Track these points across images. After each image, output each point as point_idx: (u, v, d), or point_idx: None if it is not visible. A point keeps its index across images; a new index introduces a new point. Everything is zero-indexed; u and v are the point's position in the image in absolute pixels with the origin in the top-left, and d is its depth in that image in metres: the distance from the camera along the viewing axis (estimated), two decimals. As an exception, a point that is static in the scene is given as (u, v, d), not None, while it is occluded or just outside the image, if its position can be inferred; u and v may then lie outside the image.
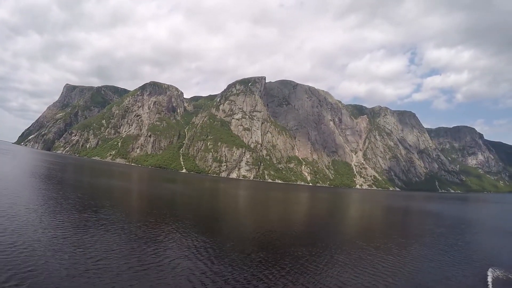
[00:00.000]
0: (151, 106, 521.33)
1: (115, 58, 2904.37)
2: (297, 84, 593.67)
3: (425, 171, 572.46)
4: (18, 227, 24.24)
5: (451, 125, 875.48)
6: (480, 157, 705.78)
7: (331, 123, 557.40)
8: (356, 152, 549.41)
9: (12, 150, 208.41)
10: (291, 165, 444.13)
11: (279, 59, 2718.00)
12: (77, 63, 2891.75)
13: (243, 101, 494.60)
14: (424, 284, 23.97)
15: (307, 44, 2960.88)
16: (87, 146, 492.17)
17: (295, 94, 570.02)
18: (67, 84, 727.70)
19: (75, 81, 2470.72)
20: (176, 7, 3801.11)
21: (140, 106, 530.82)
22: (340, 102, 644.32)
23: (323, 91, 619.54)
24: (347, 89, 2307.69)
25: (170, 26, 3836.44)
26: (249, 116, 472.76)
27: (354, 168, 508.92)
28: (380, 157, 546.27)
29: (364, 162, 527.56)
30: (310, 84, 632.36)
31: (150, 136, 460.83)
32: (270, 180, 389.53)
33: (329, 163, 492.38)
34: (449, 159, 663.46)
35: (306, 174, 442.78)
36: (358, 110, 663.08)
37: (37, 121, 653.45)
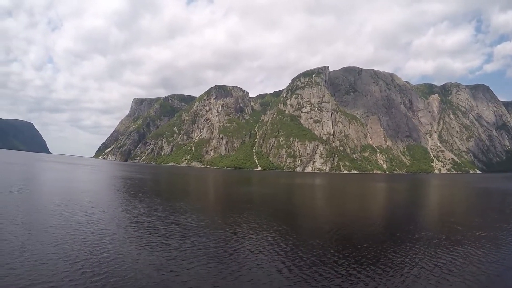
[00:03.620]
0: (219, 109, 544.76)
1: (178, 68, 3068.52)
2: (362, 70, 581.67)
3: (506, 149, 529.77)
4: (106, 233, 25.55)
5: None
6: None
7: (402, 106, 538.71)
8: (431, 135, 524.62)
9: (96, 164, 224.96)
10: (366, 154, 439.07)
11: (340, 46, 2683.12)
12: (142, 78, 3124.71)
13: (310, 93, 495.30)
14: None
15: (366, 27, 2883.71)
16: (162, 153, 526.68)
17: (361, 80, 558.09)
18: (135, 98, 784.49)
19: (142, 94, 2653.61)
20: (230, 9, 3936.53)
21: (209, 110, 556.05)
22: (408, 83, 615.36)
23: (388, 73, 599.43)
24: (413, 68, 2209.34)
25: (226, 29, 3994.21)
26: (317, 108, 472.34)
27: (430, 152, 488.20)
28: (457, 137, 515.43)
29: (440, 145, 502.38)
30: (375, 68, 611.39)
31: (222, 138, 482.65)
32: (346, 172, 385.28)
33: (404, 148, 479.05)
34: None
35: (382, 162, 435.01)
36: (428, 89, 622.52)
37: (111, 135, 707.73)
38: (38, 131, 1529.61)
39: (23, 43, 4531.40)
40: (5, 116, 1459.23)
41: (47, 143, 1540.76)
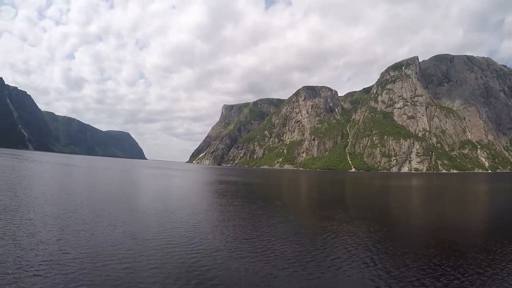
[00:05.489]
0: (309, 110, 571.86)
1: (264, 72, 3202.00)
2: (453, 57, 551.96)
3: None
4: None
5: None
6: None
7: (501, 94, 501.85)
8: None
9: (195, 169, 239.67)
10: (465, 151, 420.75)
11: (427, 34, 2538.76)
12: (230, 85, 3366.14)
13: (401, 88, 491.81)
14: None
15: (453, 9, 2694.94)
16: (255, 156, 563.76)
17: (454, 68, 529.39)
18: (224, 104, 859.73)
19: (231, 100, 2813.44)
20: (309, 9, 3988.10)
21: (298, 112, 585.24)
22: (505, 66, 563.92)
23: (483, 58, 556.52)
24: (510, 49, 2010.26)
25: (308, 29, 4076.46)
26: (410, 103, 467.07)
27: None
28: None
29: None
30: (468, 53, 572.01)
31: (313, 140, 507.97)
32: (445, 171, 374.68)
33: (507, 143, 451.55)
34: None
35: (483, 160, 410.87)
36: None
37: (204, 140, 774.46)
38: (134, 140, 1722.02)
39: (115, 63, 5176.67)
40: (104, 128, 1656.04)
41: (143, 150, 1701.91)
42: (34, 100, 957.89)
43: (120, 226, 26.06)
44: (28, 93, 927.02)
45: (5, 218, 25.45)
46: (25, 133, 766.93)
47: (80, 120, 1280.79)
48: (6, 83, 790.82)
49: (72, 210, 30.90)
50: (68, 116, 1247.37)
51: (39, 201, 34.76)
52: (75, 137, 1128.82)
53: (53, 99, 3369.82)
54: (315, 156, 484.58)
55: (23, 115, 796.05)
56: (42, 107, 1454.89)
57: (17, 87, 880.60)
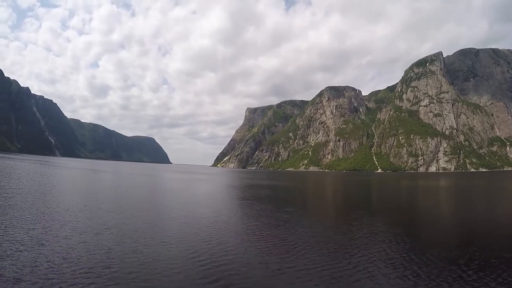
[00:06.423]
0: (334, 111, 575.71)
1: (287, 74, 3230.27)
2: (478, 50, 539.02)
3: None
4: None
5: None
6: None
7: None
8: None
9: (221, 172, 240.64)
10: (494, 149, 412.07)
11: (450, 28, 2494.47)
12: (253, 88, 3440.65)
13: (426, 85, 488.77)
14: None
15: (476, 0, 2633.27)
16: (279, 159, 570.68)
17: (480, 63, 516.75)
18: (248, 107, 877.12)
19: (254, 103, 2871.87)
20: (330, 8, 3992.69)
21: (322, 113, 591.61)
22: None
23: (508, 50, 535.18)
24: None
25: (330, 28, 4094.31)
26: (436, 100, 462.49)
27: None
28: None
29: None
30: (493, 46, 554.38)
31: (339, 141, 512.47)
32: (473, 170, 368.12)
33: None
34: None
35: None
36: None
37: (228, 144, 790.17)
38: (159, 145, 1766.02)
39: (138, 69, 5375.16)
40: (129, 134, 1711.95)
41: (168, 155, 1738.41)
42: (60, 108, 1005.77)
43: (173, 242, 22.85)
44: (54, 101, 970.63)
45: (36, 235, 22.30)
46: (52, 140, 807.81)
47: (106, 127, 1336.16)
48: (32, 92, 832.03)
49: (113, 224, 27.80)
50: (93, 122, 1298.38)
51: (73, 213, 31.64)
52: (101, 143, 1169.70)
53: (78, 107, 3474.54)
54: (340, 157, 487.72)
55: (49, 123, 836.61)
56: (68, 114, 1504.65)
57: (43, 96, 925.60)
